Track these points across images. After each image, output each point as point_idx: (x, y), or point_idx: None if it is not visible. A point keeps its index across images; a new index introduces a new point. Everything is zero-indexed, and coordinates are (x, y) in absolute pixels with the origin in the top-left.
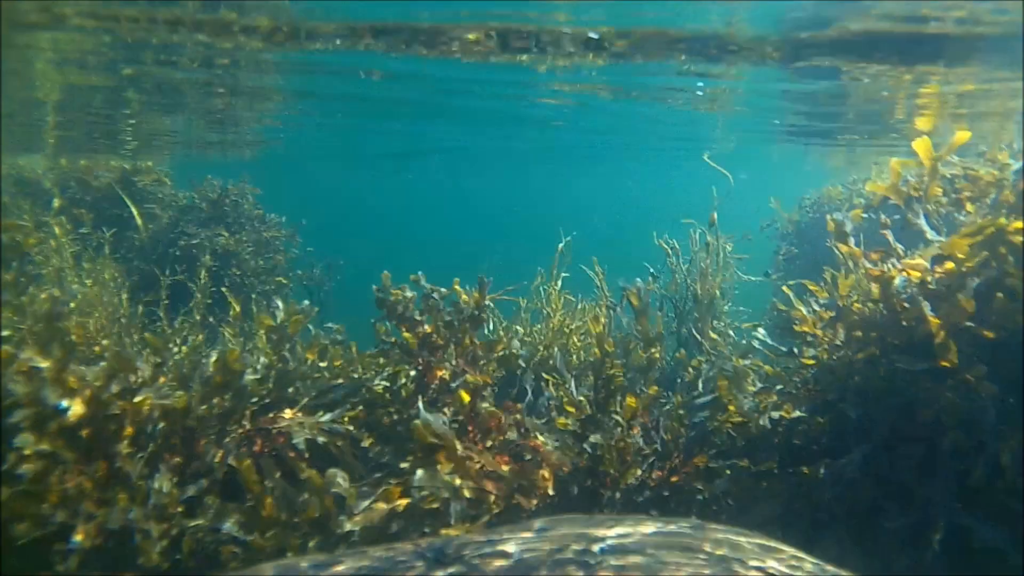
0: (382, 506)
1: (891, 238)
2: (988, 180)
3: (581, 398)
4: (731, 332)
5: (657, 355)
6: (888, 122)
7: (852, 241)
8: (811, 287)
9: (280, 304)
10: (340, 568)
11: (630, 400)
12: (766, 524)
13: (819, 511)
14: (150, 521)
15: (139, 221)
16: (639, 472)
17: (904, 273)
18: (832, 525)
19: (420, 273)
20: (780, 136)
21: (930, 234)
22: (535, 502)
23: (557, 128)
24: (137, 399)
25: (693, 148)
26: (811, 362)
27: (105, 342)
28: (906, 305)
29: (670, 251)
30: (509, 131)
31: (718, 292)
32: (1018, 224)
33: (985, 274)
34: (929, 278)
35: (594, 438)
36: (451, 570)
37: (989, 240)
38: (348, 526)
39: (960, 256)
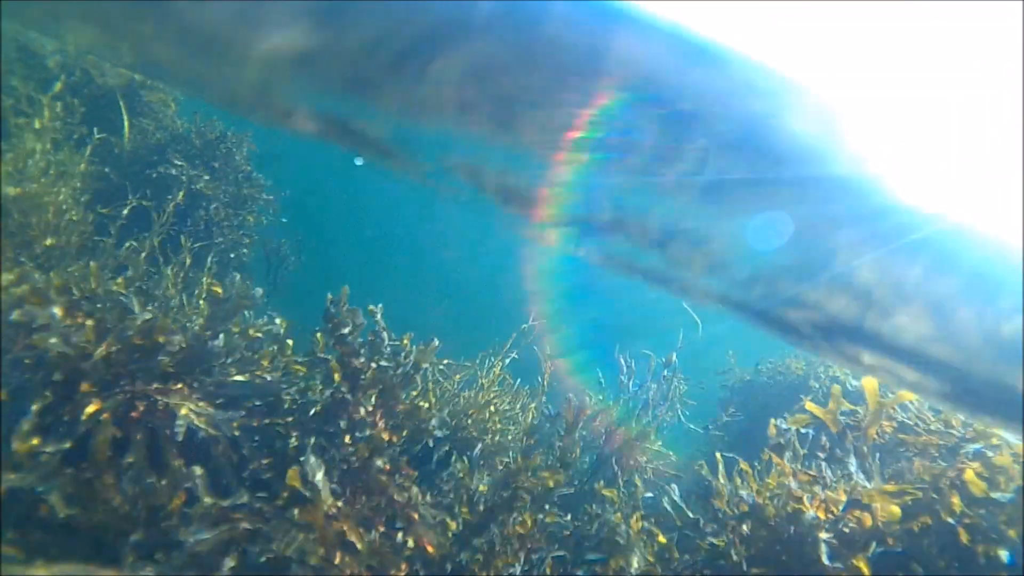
0: (223, 537)
1: (824, 467)
2: (932, 441)
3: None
4: (650, 471)
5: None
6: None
7: (787, 455)
8: (744, 467)
9: (237, 278)
10: None
11: (526, 520)
12: None
13: None
14: None
15: (126, 130)
16: None
17: (818, 508)
18: None
19: (379, 306)
20: None
21: (856, 476)
22: None
23: None
24: (35, 339)
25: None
26: (706, 547)
27: (49, 241)
28: (807, 543)
29: (625, 368)
30: None
31: (653, 430)
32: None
33: (898, 543)
34: (852, 521)
35: (470, 551)
36: None
37: (916, 509)
38: (181, 536)
39: (879, 514)
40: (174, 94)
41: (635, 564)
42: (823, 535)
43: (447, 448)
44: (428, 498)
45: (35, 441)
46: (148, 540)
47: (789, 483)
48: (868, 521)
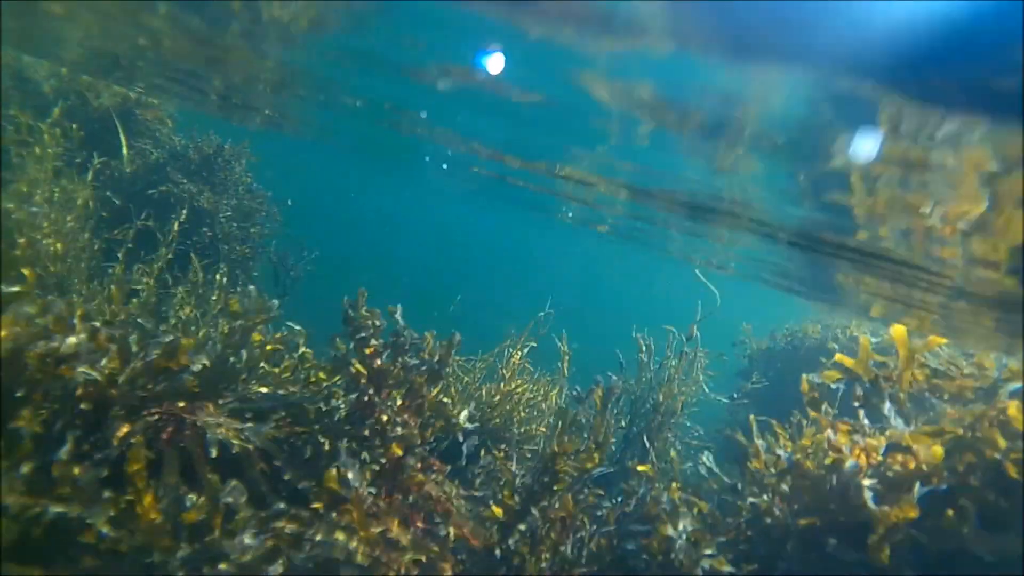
0: (269, 544)
1: (861, 414)
2: (967, 384)
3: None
4: (678, 447)
5: (600, 458)
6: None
7: (823, 407)
8: (777, 428)
9: (253, 291)
10: None
11: (566, 503)
12: None
13: None
14: (13, 495)
15: (125, 152)
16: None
17: (858, 456)
18: None
19: (398, 307)
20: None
21: (893, 421)
22: None
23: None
24: (63, 369)
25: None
26: (747, 508)
27: (52, 268)
28: (851, 490)
29: (644, 348)
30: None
31: (680, 405)
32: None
33: (943, 482)
34: (895, 465)
35: (517, 535)
36: None
37: (959, 448)
38: (226, 546)
39: (921, 456)
40: (169, 110)
41: (681, 527)
42: (866, 481)
43: (476, 441)
44: (460, 491)
45: (76, 470)
46: (195, 555)
47: (828, 434)
48: (911, 464)
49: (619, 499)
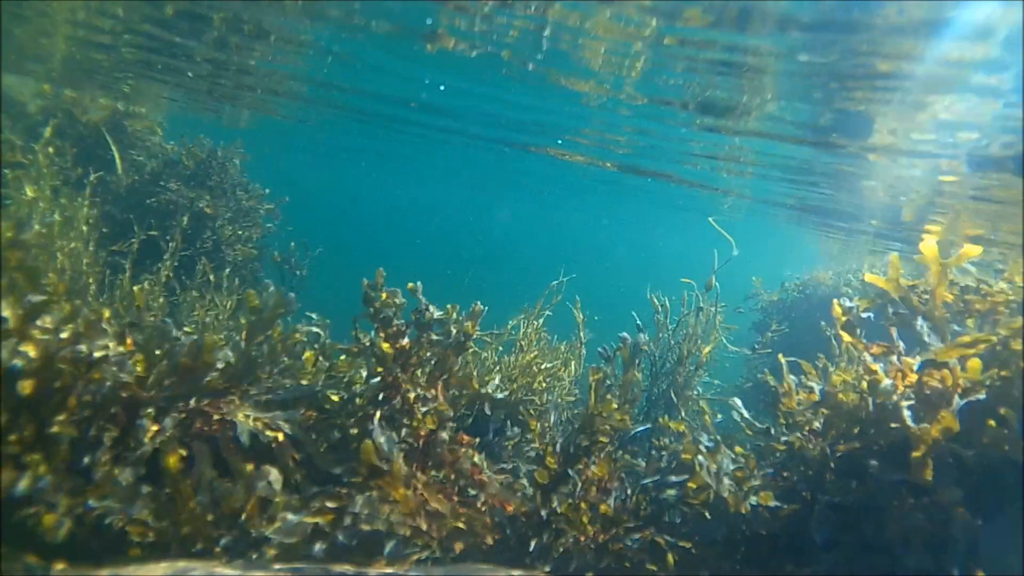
0: (308, 521)
1: (894, 334)
2: (999, 299)
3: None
4: (702, 403)
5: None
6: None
7: (858, 332)
8: (805, 367)
9: (271, 286)
10: None
11: (601, 464)
12: None
13: None
14: (60, 493)
15: (119, 166)
16: (591, 532)
17: (895, 375)
18: None
19: (418, 284)
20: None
21: (927, 338)
22: (467, 544)
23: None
24: (95, 373)
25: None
26: (782, 447)
27: (61, 286)
28: (890, 408)
29: (659, 307)
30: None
31: (704, 359)
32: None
33: (979, 394)
34: (931, 382)
35: (559, 497)
36: None
37: (996, 360)
38: (267, 531)
39: (956, 369)
40: (158, 119)
41: (724, 463)
42: (904, 403)
43: (503, 413)
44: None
45: (116, 471)
46: (237, 541)
47: (864, 355)
48: (948, 379)
49: (652, 453)
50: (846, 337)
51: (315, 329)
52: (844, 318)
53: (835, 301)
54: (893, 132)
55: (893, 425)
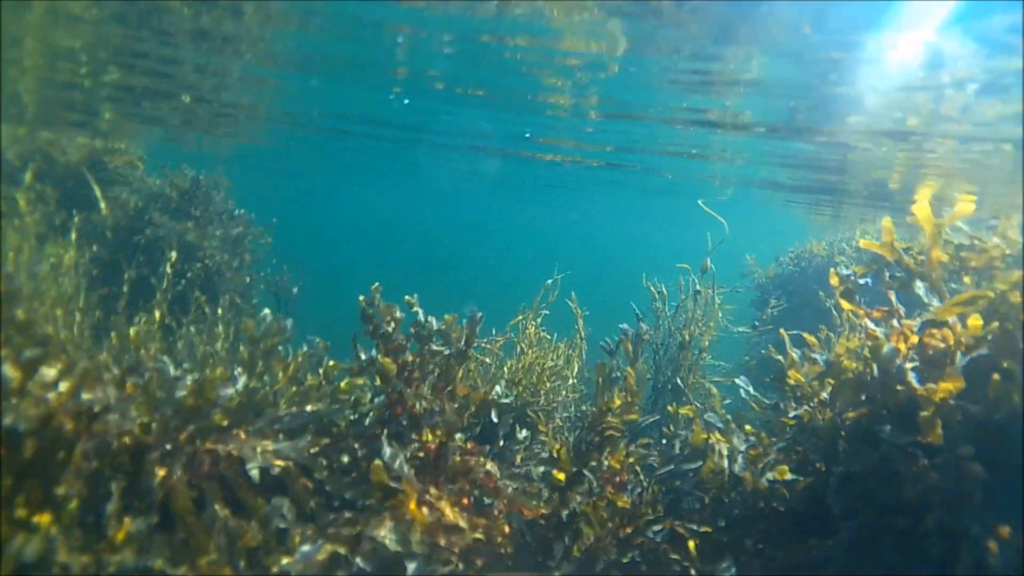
0: (328, 549)
1: (893, 297)
2: (995, 254)
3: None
4: (708, 385)
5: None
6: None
7: (857, 299)
8: (808, 339)
9: (268, 314)
10: None
11: (615, 460)
12: None
13: None
14: (73, 553)
15: (102, 205)
16: (611, 528)
17: (897, 338)
18: None
19: (415, 296)
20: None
21: (926, 298)
22: (488, 559)
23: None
24: (97, 425)
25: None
26: (791, 422)
27: (57, 332)
28: (894, 372)
29: (656, 295)
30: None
31: (707, 342)
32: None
33: (981, 349)
34: (932, 342)
35: (576, 496)
36: None
37: (995, 315)
38: (284, 562)
39: (957, 327)
40: (139, 152)
41: (738, 443)
42: (908, 365)
43: (511, 417)
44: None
45: (127, 521)
46: None
47: (864, 322)
48: (951, 337)
49: (664, 443)
50: (845, 305)
51: (317, 355)
52: (842, 287)
53: (832, 270)
54: None
55: (899, 388)
